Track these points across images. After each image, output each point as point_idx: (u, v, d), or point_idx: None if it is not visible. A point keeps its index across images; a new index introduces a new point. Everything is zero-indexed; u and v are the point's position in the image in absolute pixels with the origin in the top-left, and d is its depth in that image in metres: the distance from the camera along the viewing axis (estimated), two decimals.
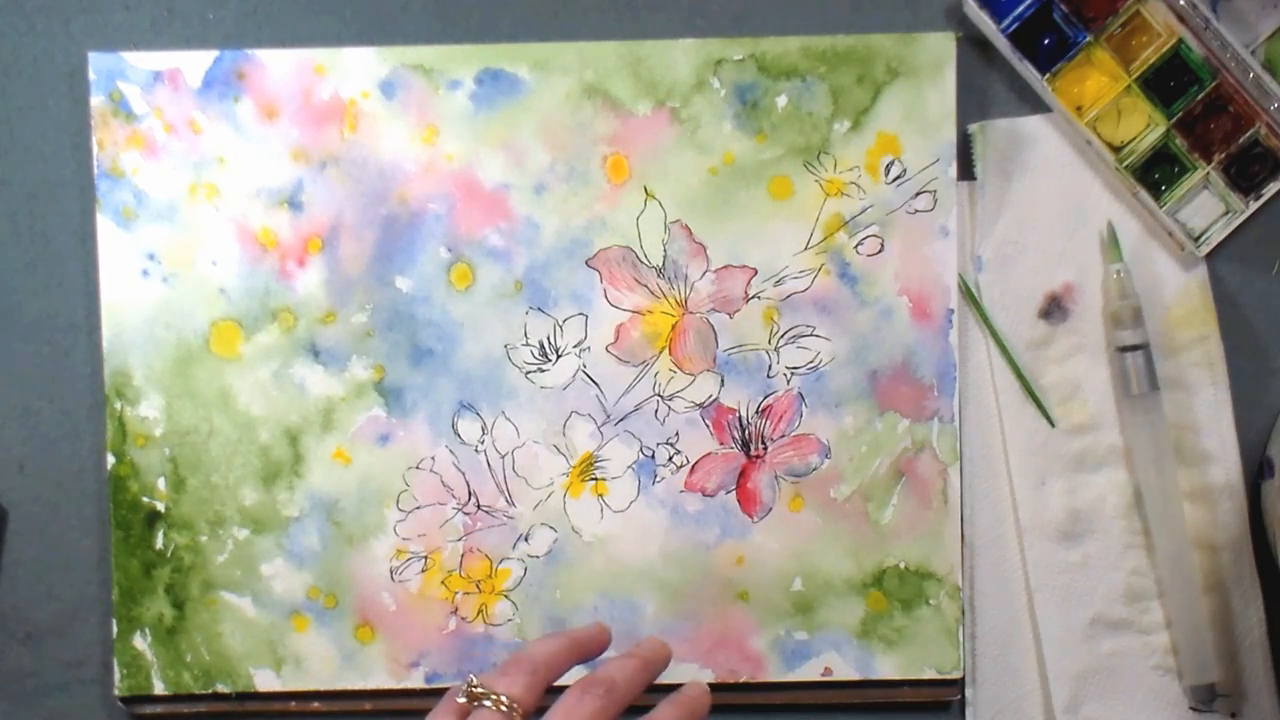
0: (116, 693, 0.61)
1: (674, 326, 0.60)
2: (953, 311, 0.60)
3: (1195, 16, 0.58)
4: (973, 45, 0.60)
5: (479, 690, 0.47)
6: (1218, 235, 0.60)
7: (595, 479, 0.60)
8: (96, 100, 0.59)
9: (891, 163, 0.59)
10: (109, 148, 0.59)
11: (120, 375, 0.60)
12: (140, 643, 0.60)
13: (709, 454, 0.60)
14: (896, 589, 0.60)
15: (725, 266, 0.60)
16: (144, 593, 0.60)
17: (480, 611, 0.61)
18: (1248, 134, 0.59)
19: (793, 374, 0.60)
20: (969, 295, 0.60)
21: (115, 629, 0.60)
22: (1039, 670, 0.61)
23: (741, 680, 0.60)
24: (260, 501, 0.60)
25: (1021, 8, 0.59)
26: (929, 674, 0.60)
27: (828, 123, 0.59)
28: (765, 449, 0.60)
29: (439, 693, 0.60)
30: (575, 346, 0.60)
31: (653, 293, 0.60)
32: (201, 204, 0.60)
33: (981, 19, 0.59)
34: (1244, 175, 0.59)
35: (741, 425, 0.60)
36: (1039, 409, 0.60)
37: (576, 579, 0.60)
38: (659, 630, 0.60)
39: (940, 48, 0.59)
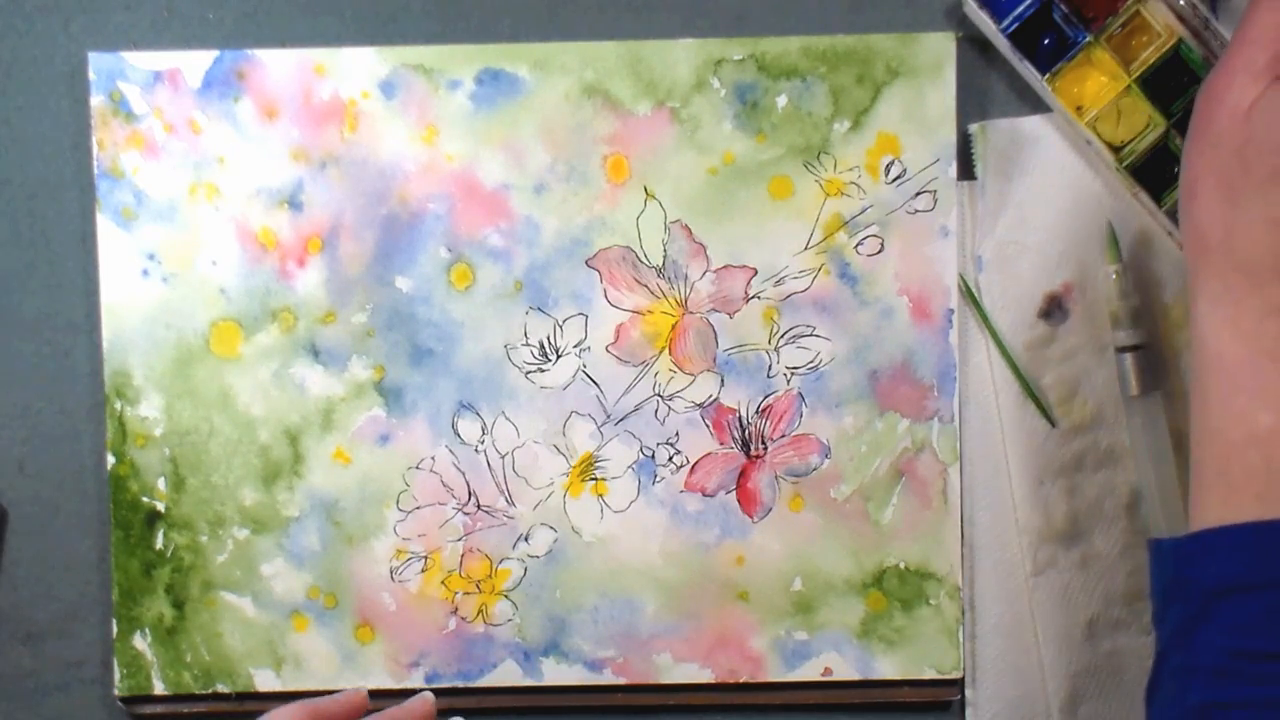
0: (116, 693, 0.61)
1: (674, 326, 0.60)
2: (953, 311, 0.60)
3: (1195, 16, 0.58)
4: (973, 45, 0.60)
5: None
6: None
7: (595, 479, 0.60)
8: (96, 100, 0.59)
9: (891, 163, 0.59)
10: (109, 148, 0.59)
11: (120, 375, 0.60)
12: (140, 643, 0.60)
13: (709, 454, 0.60)
14: (896, 589, 0.60)
15: (725, 266, 0.60)
16: (144, 593, 0.60)
17: (480, 611, 0.61)
18: None
19: (793, 374, 0.60)
20: (969, 295, 0.60)
21: (115, 629, 0.60)
22: (1039, 670, 0.61)
23: (741, 680, 0.61)
24: (260, 501, 0.60)
25: (1021, 8, 0.59)
26: (929, 674, 0.60)
27: (828, 123, 0.59)
28: (765, 449, 0.60)
29: (439, 693, 0.60)
30: (575, 346, 0.60)
31: (653, 293, 0.60)
32: (201, 204, 0.60)
33: (981, 19, 0.59)
34: None
35: (741, 425, 0.60)
36: (1039, 409, 0.60)
37: (576, 579, 0.60)
38: (659, 630, 0.60)
39: (940, 48, 0.59)
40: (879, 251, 0.60)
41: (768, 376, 0.60)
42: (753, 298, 0.60)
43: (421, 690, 0.60)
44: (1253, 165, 0.45)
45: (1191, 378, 0.48)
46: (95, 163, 0.60)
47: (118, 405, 0.60)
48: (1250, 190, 0.46)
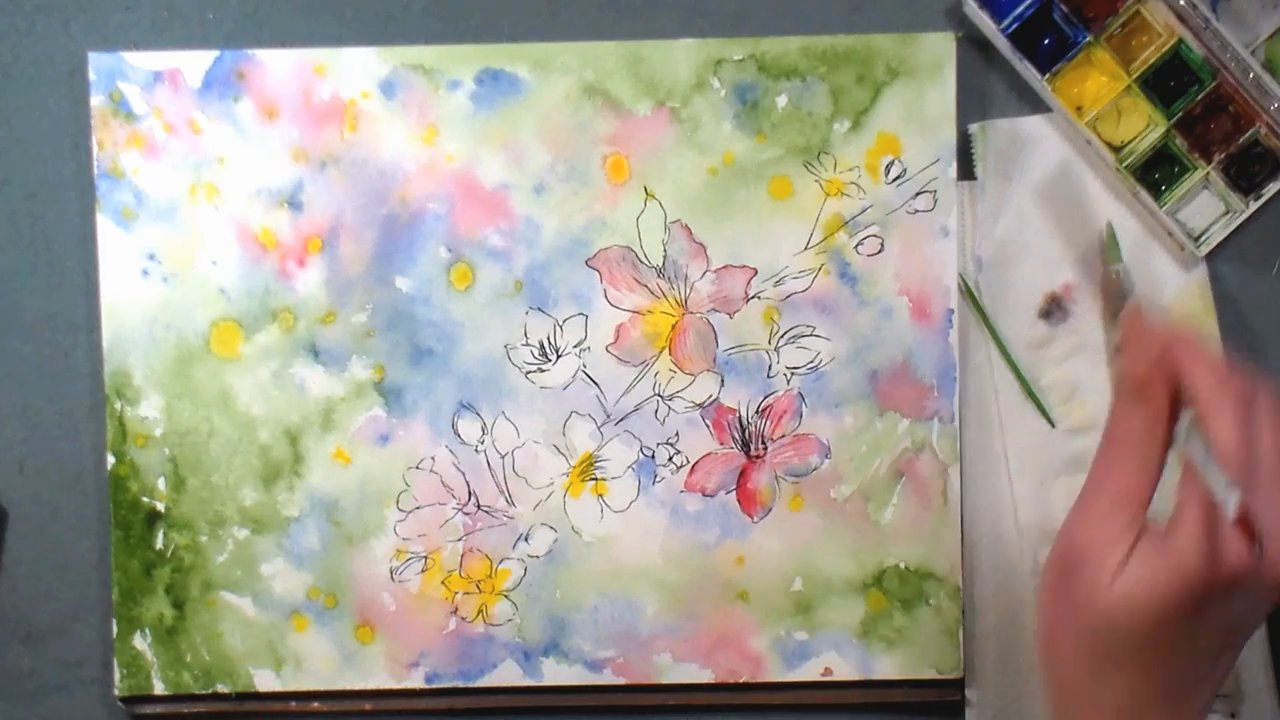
0: (116, 693, 0.61)
1: (674, 326, 0.60)
2: (953, 311, 0.60)
3: (1195, 16, 0.58)
4: (973, 45, 0.60)
5: None
6: (1218, 235, 0.60)
7: (595, 479, 0.60)
8: (96, 100, 0.59)
9: (891, 163, 0.59)
10: (109, 148, 0.59)
11: (120, 375, 0.60)
12: (140, 643, 0.60)
13: (709, 454, 0.60)
14: (896, 589, 0.60)
15: (725, 266, 0.60)
16: (144, 593, 0.60)
17: (480, 611, 0.61)
18: (1248, 134, 0.59)
19: (793, 374, 0.60)
20: (969, 295, 0.60)
21: (115, 629, 0.60)
22: (1039, 671, 0.60)
23: (741, 680, 0.60)
24: (260, 501, 0.60)
25: (1021, 8, 0.59)
26: (929, 674, 0.60)
27: (828, 123, 0.59)
28: (765, 449, 0.60)
29: (439, 693, 0.60)
30: (575, 346, 0.60)
31: (653, 293, 0.60)
32: (201, 204, 0.60)
33: (981, 19, 0.59)
34: (1244, 175, 0.59)
35: (741, 425, 0.60)
36: (1039, 409, 0.60)
37: (576, 579, 0.60)
38: (659, 630, 0.60)
39: (940, 48, 0.59)
40: (879, 251, 0.60)
41: (768, 376, 0.60)
42: (753, 298, 0.60)
43: (423, 690, 0.60)
44: (1115, 642, 0.45)
45: None
46: (95, 163, 0.60)
47: (118, 405, 0.60)
48: (1112, 662, 0.45)
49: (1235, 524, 0.42)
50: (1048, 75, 0.59)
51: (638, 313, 0.60)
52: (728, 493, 0.60)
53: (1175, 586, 0.43)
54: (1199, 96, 0.59)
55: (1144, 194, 0.59)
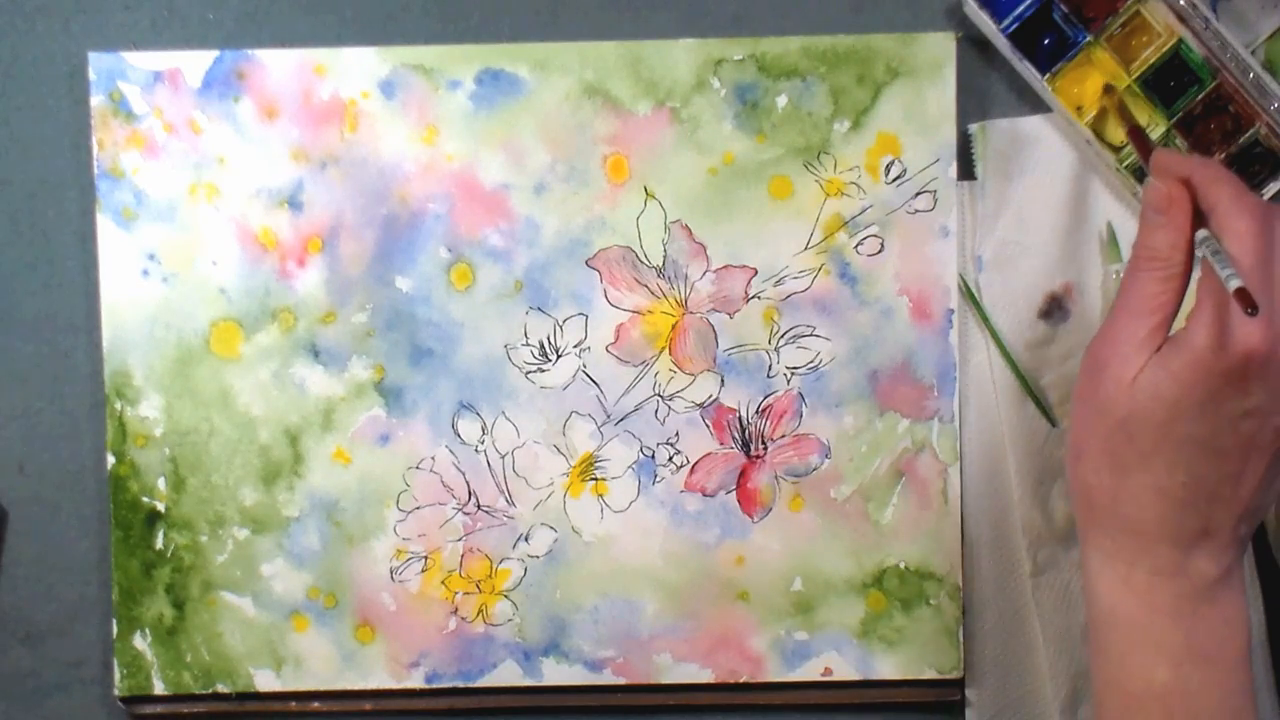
0: (116, 693, 0.61)
1: (674, 326, 0.60)
2: (953, 311, 0.60)
3: (1195, 16, 0.58)
4: (973, 45, 0.60)
5: None
6: None
7: (595, 479, 0.60)
8: (96, 100, 0.59)
9: (891, 163, 0.59)
10: (109, 148, 0.60)
11: (120, 375, 0.60)
12: (140, 643, 0.60)
13: (709, 454, 0.60)
14: (896, 589, 0.60)
15: (725, 266, 0.60)
16: (144, 593, 0.60)
17: (480, 611, 0.61)
18: (1248, 134, 0.59)
19: (793, 374, 0.60)
20: (969, 295, 0.60)
21: (115, 629, 0.60)
22: (1039, 670, 0.61)
23: (741, 680, 0.61)
24: (260, 501, 0.60)
25: (1021, 8, 0.59)
26: (929, 674, 0.60)
27: (828, 123, 0.59)
28: (765, 449, 0.60)
29: (439, 693, 0.60)
30: (575, 346, 0.60)
31: (653, 293, 0.60)
32: (201, 204, 0.60)
33: (981, 19, 0.59)
34: (1244, 175, 0.59)
35: (741, 425, 0.60)
36: (1039, 409, 0.60)
37: (576, 579, 0.60)
38: (659, 630, 0.60)
39: (940, 48, 0.59)
40: (879, 251, 0.60)
41: (768, 376, 0.60)
42: (753, 298, 0.60)
43: (423, 690, 0.60)
44: (1137, 436, 0.46)
45: (1089, 628, 0.50)
46: (95, 163, 0.60)
47: (118, 405, 0.60)
48: (1135, 460, 0.47)
49: (1236, 296, 0.43)
50: (1048, 75, 0.59)
51: (638, 313, 0.60)
52: (728, 493, 0.60)
53: (1191, 374, 0.45)
54: (1199, 96, 0.59)
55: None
